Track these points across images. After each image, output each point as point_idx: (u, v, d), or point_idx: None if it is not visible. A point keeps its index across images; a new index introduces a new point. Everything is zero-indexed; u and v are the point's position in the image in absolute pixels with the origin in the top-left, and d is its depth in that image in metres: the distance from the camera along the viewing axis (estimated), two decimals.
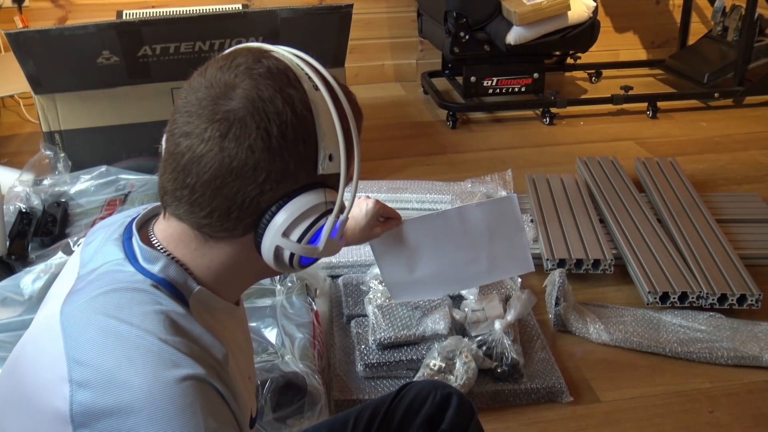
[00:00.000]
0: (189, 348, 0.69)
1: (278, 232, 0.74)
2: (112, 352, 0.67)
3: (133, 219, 0.81)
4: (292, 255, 0.76)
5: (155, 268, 0.74)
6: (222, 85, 0.71)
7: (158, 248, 0.76)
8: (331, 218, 0.75)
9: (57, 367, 0.68)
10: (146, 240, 0.78)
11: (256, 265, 0.78)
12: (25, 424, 0.71)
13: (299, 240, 0.75)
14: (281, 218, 0.73)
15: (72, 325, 0.71)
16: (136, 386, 0.65)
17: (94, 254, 0.79)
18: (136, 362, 0.66)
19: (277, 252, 0.75)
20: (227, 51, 0.76)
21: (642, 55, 4.03)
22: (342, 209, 0.77)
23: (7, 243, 2.04)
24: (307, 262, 0.78)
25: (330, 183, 0.76)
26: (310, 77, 0.74)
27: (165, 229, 0.78)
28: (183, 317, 0.71)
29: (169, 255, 0.76)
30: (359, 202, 1.24)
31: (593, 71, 3.76)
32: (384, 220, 1.28)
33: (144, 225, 0.81)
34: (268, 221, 0.73)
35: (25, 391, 0.72)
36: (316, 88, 0.73)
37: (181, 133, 0.72)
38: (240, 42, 0.91)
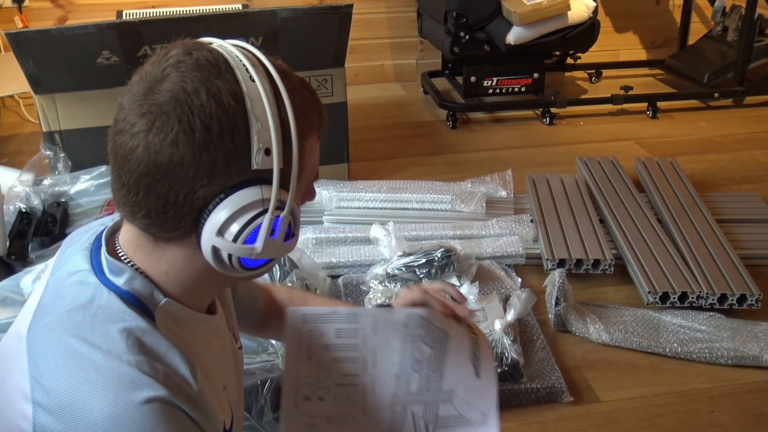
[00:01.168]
0: (152, 368, 0.67)
1: (213, 231, 0.70)
2: (72, 374, 0.66)
3: (106, 227, 0.80)
4: (230, 256, 0.72)
5: (120, 281, 0.73)
6: (151, 80, 0.69)
7: (123, 259, 0.75)
8: (267, 217, 0.71)
9: (22, 386, 0.68)
10: (112, 250, 0.76)
11: (213, 268, 0.74)
12: None
13: (235, 239, 0.71)
14: (216, 216, 0.70)
15: (36, 345, 0.70)
16: (96, 410, 0.64)
17: (63, 263, 0.78)
18: (96, 386, 0.65)
19: (216, 253, 0.72)
20: (168, 45, 0.74)
21: (642, 55, 4.03)
22: (282, 207, 0.72)
23: (7, 243, 2.04)
24: (252, 264, 0.74)
25: (272, 179, 0.71)
26: (247, 68, 0.70)
27: (124, 234, 0.76)
28: (148, 333, 0.70)
29: (134, 266, 0.74)
30: (407, 294, 1.01)
31: (593, 71, 3.76)
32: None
33: (114, 233, 0.79)
34: (205, 220, 0.70)
35: None
36: (253, 80, 0.70)
37: (116, 130, 0.71)
38: None
